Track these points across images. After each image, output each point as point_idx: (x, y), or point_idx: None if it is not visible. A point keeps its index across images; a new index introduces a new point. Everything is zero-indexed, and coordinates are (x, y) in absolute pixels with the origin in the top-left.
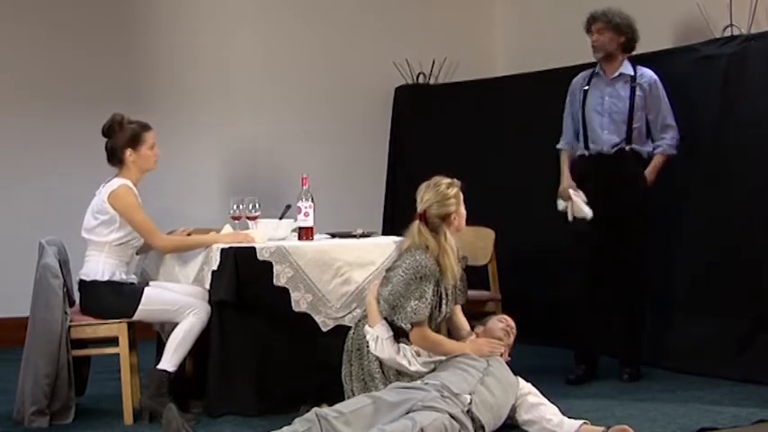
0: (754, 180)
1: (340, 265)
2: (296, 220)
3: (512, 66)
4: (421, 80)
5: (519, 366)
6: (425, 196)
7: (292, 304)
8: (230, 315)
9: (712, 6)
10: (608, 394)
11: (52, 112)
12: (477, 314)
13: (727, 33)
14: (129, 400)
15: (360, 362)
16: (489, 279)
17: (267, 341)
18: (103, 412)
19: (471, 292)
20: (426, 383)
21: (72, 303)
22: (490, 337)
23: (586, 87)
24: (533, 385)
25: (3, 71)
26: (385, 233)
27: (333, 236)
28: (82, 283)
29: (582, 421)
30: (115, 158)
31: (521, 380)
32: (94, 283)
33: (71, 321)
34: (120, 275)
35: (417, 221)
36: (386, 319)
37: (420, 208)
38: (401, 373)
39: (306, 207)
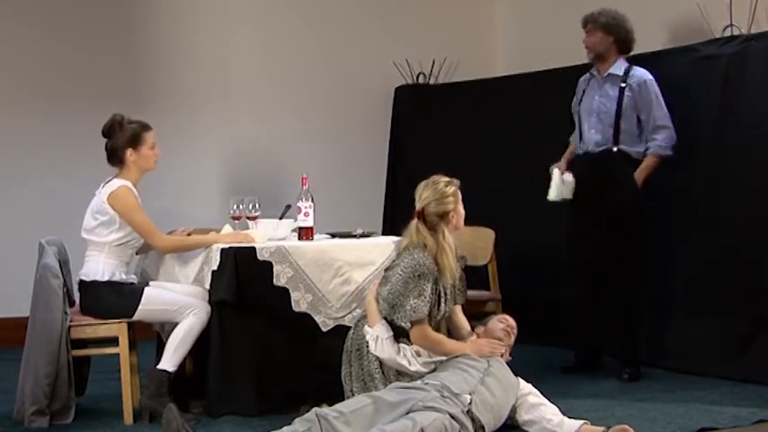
0: (754, 180)
1: (340, 265)
2: (296, 220)
3: (512, 66)
4: (421, 80)
5: (519, 366)
6: (424, 194)
7: (292, 304)
8: (230, 315)
9: (712, 6)
10: (608, 394)
11: (52, 112)
12: (477, 314)
13: (727, 33)
14: (129, 400)
15: (359, 362)
16: (489, 279)
17: (267, 341)
18: (103, 412)
19: (471, 293)
20: (426, 383)
21: (72, 303)
22: (491, 337)
23: (585, 87)
24: (533, 385)
25: (3, 71)
26: (385, 233)
27: (333, 236)
28: (82, 283)
29: (582, 421)
30: (115, 158)
31: (521, 380)
32: (94, 283)
33: (71, 321)
34: (120, 276)
35: (416, 220)
36: (386, 318)
37: (418, 206)
38: (401, 374)
39: (306, 207)
